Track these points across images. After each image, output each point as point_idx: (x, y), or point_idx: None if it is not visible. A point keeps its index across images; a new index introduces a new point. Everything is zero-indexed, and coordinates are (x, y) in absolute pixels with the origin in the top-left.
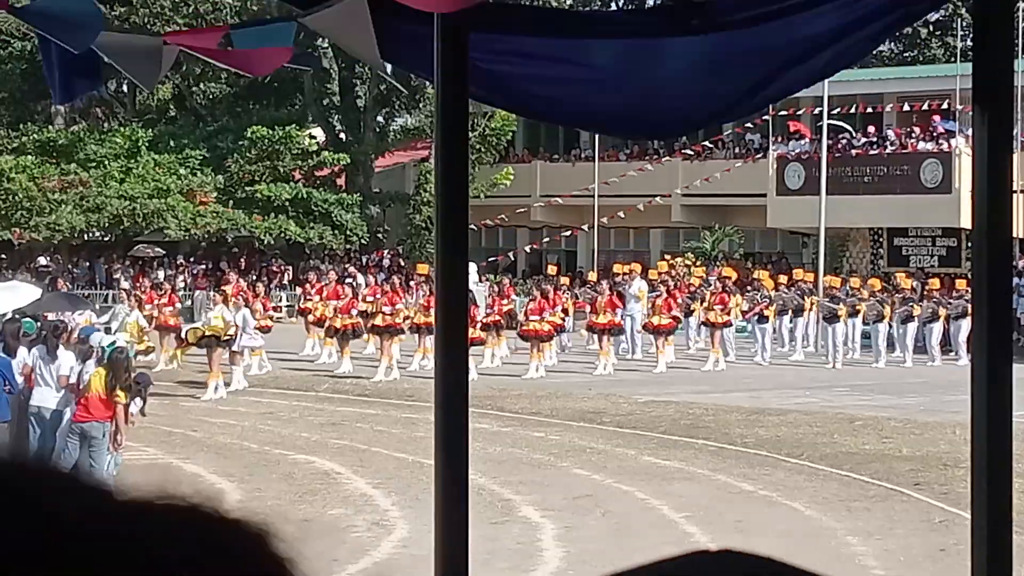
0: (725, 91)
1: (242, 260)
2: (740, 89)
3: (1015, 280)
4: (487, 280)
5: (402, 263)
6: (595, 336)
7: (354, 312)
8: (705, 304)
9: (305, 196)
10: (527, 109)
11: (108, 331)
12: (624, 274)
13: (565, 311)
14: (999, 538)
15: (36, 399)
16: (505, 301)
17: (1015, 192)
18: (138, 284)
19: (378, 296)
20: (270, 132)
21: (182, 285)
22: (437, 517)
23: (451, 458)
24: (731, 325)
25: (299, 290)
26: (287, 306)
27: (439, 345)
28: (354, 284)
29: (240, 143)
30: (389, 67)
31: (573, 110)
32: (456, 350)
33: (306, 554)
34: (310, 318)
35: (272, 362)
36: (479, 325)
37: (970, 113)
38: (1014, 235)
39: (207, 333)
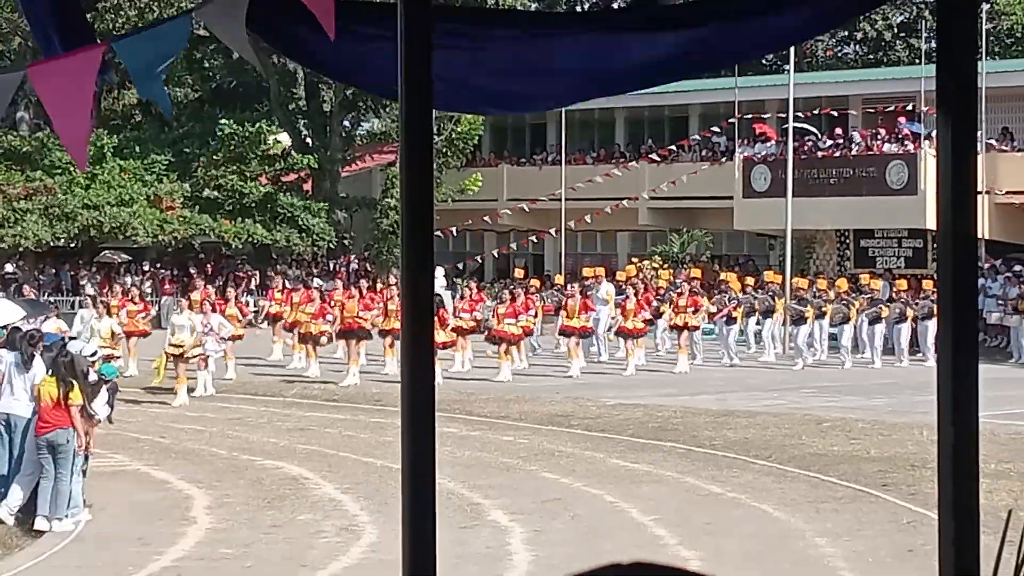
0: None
1: (209, 265)
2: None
3: (981, 281)
4: (455, 284)
5: (369, 268)
6: (567, 339)
7: (328, 318)
8: (674, 306)
9: (272, 197)
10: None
11: (74, 338)
12: (592, 278)
13: (535, 315)
14: (966, 538)
15: (5, 406)
16: (475, 306)
17: (980, 193)
18: (104, 290)
19: (347, 300)
20: (240, 129)
21: (149, 291)
22: (404, 522)
23: (418, 462)
24: (700, 328)
25: (266, 295)
26: (253, 311)
27: (405, 349)
28: (322, 289)
29: (205, 148)
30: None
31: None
32: (422, 354)
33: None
34: (280, 323)
35: (240, 367)
36: (448, 328)
37: (935, 115)
38: (980, 236)
39: (174, 352)
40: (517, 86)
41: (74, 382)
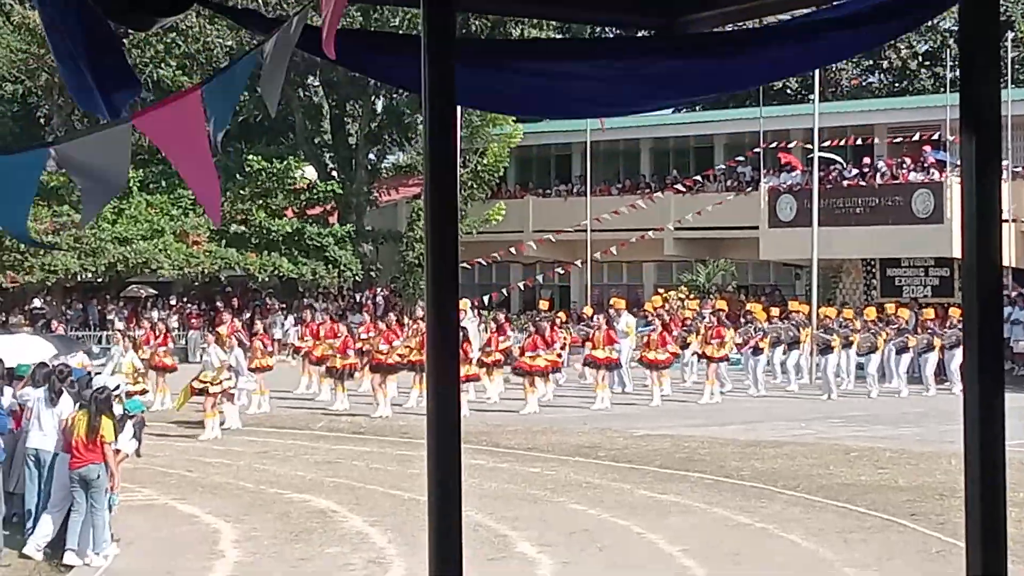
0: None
1: (235, 299)
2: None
3: (1009, 309)
4: (480, 316)
5: (396, 301)
6: (593, 371)
7: (351, 352)
8: (701, 337)
9: (299, 230)
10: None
11: (99, 374)
12: (613, 309)
13: (563, 347)
14: (994, 567)
15: (33, 442)
16: (502, 338)
17: (1006, 222)
18: (131, 325)
19: (372, 334)
20: (268, 165)
21: (176, 325)
22: (431, 554)
23: (444, 494)
24: (728, 359)
25: (292, 329)
26: (280, 341)
27: (431, 382)
28: (349, 323)
29: (231, 182)
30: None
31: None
32: (447, 387)
33: None
34: (308, 357)
35: (269, 401)
36: (475, 361)
37: (960, 143)
38: (1007, 264)
39: (203, 383)
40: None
41: (105, 418)
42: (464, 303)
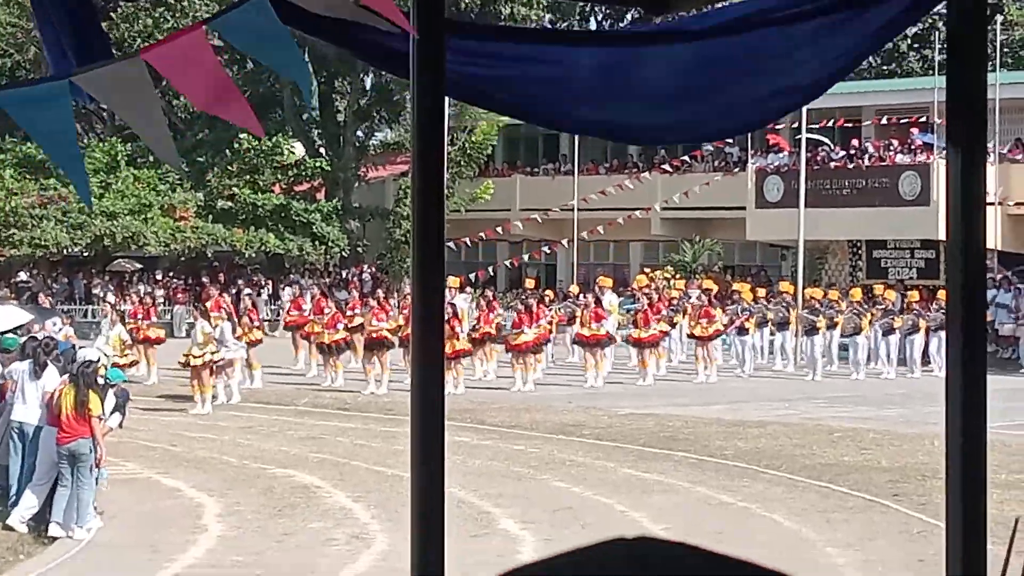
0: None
1: (221, 274)
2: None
3: (993, 292)
4: (469, 292)
5: (382, 277)
6: (582, 349)
7: (340, 327)
8: (689, 317)
9: (285, 205)
10: (507, 109)
11: (83, 347)
12: (599, 287)
13: (551, 323)
14: (973, 547)
15: (17, 415)
16: (491, 315)
17: (992, 205)
18: (118, 299)
19: (360, 310)
20: (257, 143)
21: (161, 299)
22: (413, 530)
23: (427, 471)
24: (718, 337)
25: (279, 304)
26: (267, 320)
27: (415, 358)
28: (339, 301)
29: (219, 157)
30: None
31: (550, 111)
32: (432, 363)
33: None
34: (299, 332)
35: (260, 377)
36: (465, 337)
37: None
38: (992, 247)
39: (190, 357)
40: (531, 101)
41: (92, 392)
42: (455, 280)
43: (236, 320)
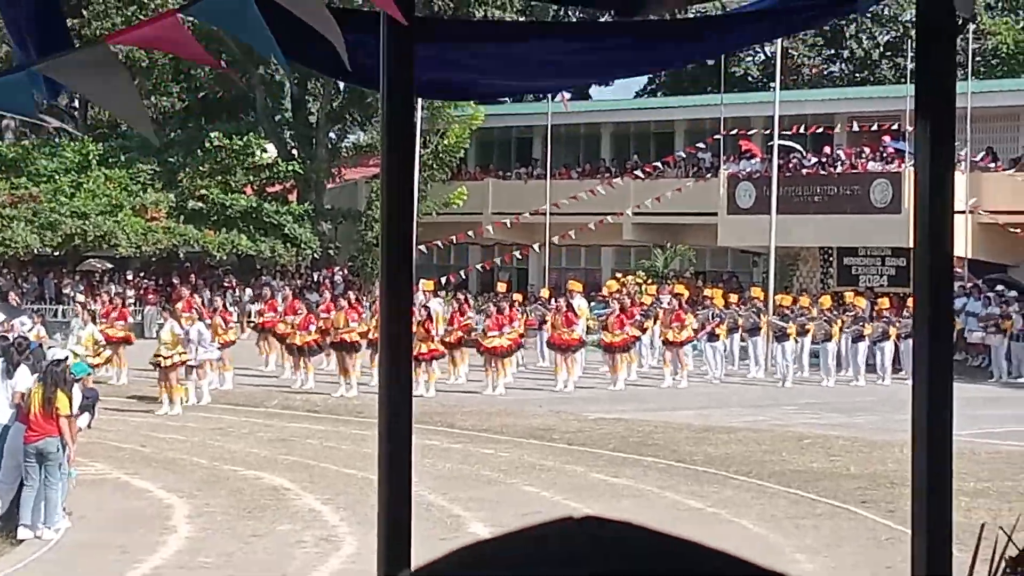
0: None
1: (193, 275)
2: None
3: (964, 300)
4: (440, 296)
5: (353, 279)
6: (554, 353)
7: (312, 328)
8: (661, 321)
9: (256, 207)
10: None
11: (52, 346)
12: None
13: (523, 328)
14: (939, 554)
15: None
16: (463, 318)
17: (964, 213)
18: (88, 299)
19: (332, 312)
20: (228, 142)
21: (132, 300)
22: (380, 532)
23: (395, 473)
24: (690, 342)
25: (252, 307)
26: (237, 322)
27: (383, 360)
28: (310, 303)
29: (191, 157)
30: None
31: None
32: (400, 365)
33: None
34: (271, 333)
35: (232, 378)
36: (437, 340)
37: None
38: (963, 255)
39: (159, 359)
40: (499, 79)
41: (61, 391)
42: (428, 284)
43: (208, 321)
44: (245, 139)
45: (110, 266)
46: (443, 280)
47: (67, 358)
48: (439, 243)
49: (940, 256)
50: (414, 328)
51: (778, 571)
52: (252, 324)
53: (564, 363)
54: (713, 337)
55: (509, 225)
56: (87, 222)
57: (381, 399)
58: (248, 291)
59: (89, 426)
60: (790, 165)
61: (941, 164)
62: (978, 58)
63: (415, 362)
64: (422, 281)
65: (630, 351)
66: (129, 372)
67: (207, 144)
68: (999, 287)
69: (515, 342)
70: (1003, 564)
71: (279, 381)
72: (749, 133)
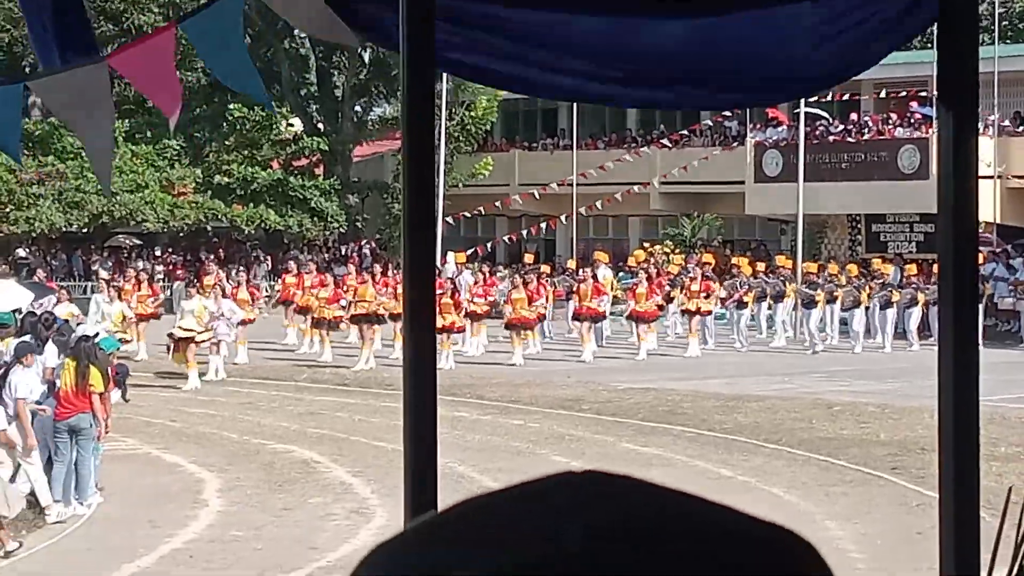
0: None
1: (221, 250)
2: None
3: (992, 265)
4: (468, 268)
5: (381, 252)
6: (580, 324)
7: (343, 303)
8: (686, 291)
9: (283, 181)
10: (503, 82)
11: (81, 323)
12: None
13: (547, 299)
14: (967, 519)
15: None
16: (492, 289)
17: (991, 178)
18: (115, 275)
19: (359, 285)
20: (250, 112)
21: (161, 276)
22: (407, 505)
23: (420, 445)
24: (712, 312)
25: (279, 280)
26: (265, 297)
27: (407, 333)
28: (336, 275)
29: (217, 132)
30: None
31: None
32: (424, 337)
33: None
34: (292, 307)
35: (251, 352)
36: (463, 313)
37: None
38: (992, 221)
39: (181, 336)
40: (533, 72)
41: (94, 367)
42: (460, 256)
43: (233, 298)
44: (267, 111)
45: (138, 242)
46: (471, 252)
47: (97, 334)
48: (466, 214)
49: (965, 221)
50: (440, 300)
51: (781, 524)
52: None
53: (590, 333)
54: (741, 305)
55: (537, 196)
56: (113, 200)
57: (405, 371)
58: (277, 265)
59: (126, 399)
60: (817, 132)
61: (964, 129)
62: (1005, 22)
63: (439, 334)
64: (451, 254)
65: (656, 321)
66: (147, 348)
67: (231, 118)
68: None
69: (539, 315)
70: None
71: (304, 355)
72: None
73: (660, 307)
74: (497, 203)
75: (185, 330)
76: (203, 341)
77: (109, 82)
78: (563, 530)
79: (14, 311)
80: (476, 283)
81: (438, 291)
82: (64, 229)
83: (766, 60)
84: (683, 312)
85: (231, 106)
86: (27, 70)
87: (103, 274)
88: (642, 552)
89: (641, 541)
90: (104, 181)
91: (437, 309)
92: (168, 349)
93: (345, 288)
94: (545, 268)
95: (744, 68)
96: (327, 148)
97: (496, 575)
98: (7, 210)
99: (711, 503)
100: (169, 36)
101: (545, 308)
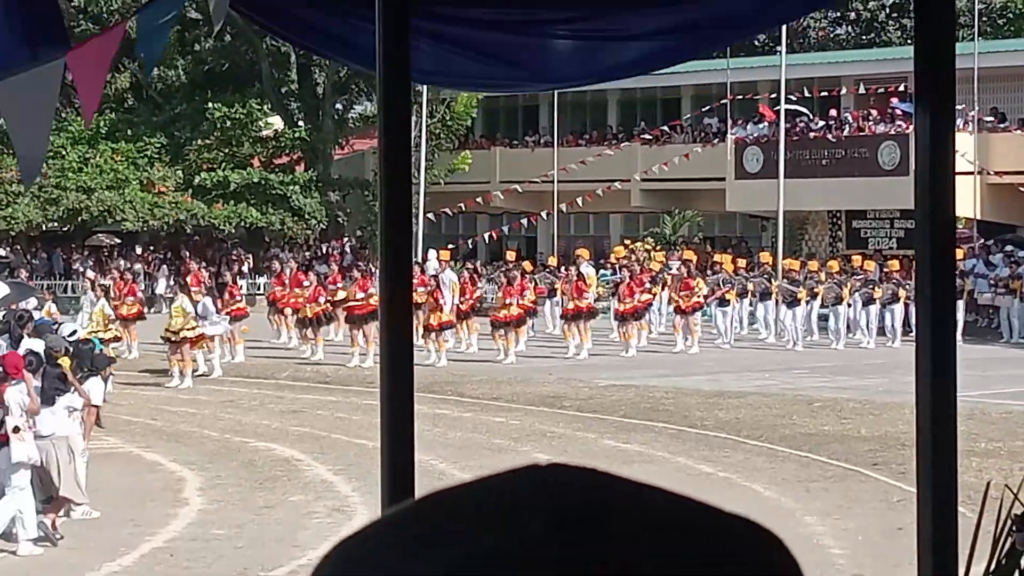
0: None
1: (200, 249)
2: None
3: (972, 261)
4: (449, 266)
5: (361, 250)
6: (574, 322)
7: (321, 299)
8: (670, 289)
9: (263, 180)
10: (469, 84)
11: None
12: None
13: (538, 295)
14: (944, 513)
15: None
16: (473, 288)
17: (972, 174)
18: (97, 273)
19: (342, 283)
20: (231, 111)
21: (141, 274)
22: (383, 502)
23: (397, 442)
24: (701, 308)
25: (261, 279)
26: (247, 295)
27: (384, 329)
28: (319, 274)
29: (197, 131)
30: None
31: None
32: (400, 334)
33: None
34: (276, 305)
35: (242, 351)
36: (450, 310)
37: None
38: (972, 216)
39: (170, 333)
40: (501, 70)
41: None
42: (445, 254)
43: (216, 295)
44: (248, 107)
45: (118, 241)
46: (452, 248)
47: (74, 332)
48: (447, 211)
49: (942, 217)
50: (424, 298)
51: (747, 517)
52: (262, 297)
53: (576, 331)
54: (723, 303)
55: (520, 190)
56: (90, 196)
57: (382, 366)
58: (258, 263)
59: (104, 399)
60: (797, 129)
61: (941, 125)
62: (984, 18)
63: (426, 332)
64: (431, 251)
65: (642, 318)
66: (140, 346)
67: (212, 117)
68: (1008, 247)
69: (526, 309)
70: (1009, 522)
71: (290, 353)
72: (756, 98)
73: (646, 304)
74: (478, 199)
75: (176, 331)
76: (187, 340)
77: (60, 79)
78: (525, 520)
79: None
80: (463, 280)
81: (422, 288)
82: (44, 227)
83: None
84: (675, 311)
85: (211, 105)
86: None
87: (89, 274)
88: (606, 541)
89: (605, 530)
90: (28, 183)
91: (426, 307)
92: (169, 353)
93: (326, 287)
94: (527, 265)
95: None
96: (308, 143)
97: (459, 567)
98: None
99: (677, 495)
100: (116, 35)
101: (533, 305)
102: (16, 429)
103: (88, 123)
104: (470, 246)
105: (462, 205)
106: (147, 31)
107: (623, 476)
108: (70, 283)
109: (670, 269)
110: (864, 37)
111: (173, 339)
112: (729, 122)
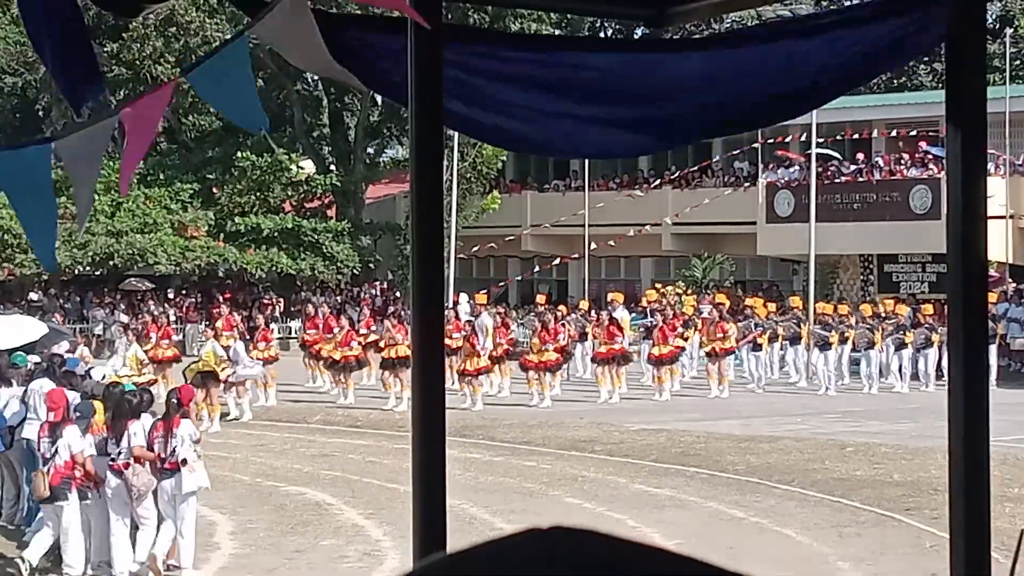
0: (724, 102)
1: (231, 293)
2: (739, 101)
3: (1005, 306)
4: (485, 309)
5: (394, 294)
6: (607, 366)
7: (354, 344)
8: (702, 333)
9: (295, 227)
10: (503, 141)
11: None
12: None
13: (571, 339)
14: (977, 559)
15: (28, 432)
16: (507, 331)
17: (1004, 218)
18: (130, 318)
19: (375, 327)
20: (258, 158)
21: (173, 318)
22: (415, 546)
23: (429, 486)
24: (733, 352)
25: (292, 323)
26: (279, 338)
27: (416, 373)
28: (352, 319)
29: (228, 175)
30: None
31: (556, 142)
32: (432, 377)
33: None
34: (309, 351)
35: (275, 395)
36: (485, 355)
37: None
38: (1004, 260)
39: (201, 370)
40: (535, 128)
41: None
42: (482, 297)
43: (248, 339)
44: (275, 155)
45: (151, 285)
46: (483, 292)
47: (104, 377)
48: (477, 255)
49: (973, 262)
50: (460, 343)
51: (746, 574)
52: (294, 340)
53: (609, 375)
54: (756, 347)
55: (550, 227)
56: (120, 240)
57: (414, 411)
58: (289, 307)
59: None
60: (828, 172)
61: (973, 169)
62: (1016, 61)
63: (461, 377)
64: (463, 295)
65: (676, 362)
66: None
67: (236, 162)
68: None
69: (560, 350)
70: None
71: (322, 397)
72: (786, 140)
73: (680, 348)
74: (510, 237)
75: (205, 364)
76: (225, 381)
77: (111, 134)
78: None
79: (25, 347)
80: (496, 326)
81: (457, 334)
82: (76, 271)
83: (774, 82)
84: (707, 355)
85: (238, 155)
86: (40, 113)
87: (123, 318)
88: None
89: None
90: (82, 223)
91: (462, 352)
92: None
93: (358, 331)
94: (561, 308)
95: (754, 94)
96: (339, 188)
97: None
98: (15, 253)
99: (679, 556)
100: (166, 93)
101: (567, 349)
102: (184, 461)
103: (125, 190)
104: (502, 288)
105: (493, 245)
106: (221, 98)
107: (624, 538)
108: (102, 326)
109: (701, 313)
110: (895, 81)
111: (201, 379)
112: (760, 166)
